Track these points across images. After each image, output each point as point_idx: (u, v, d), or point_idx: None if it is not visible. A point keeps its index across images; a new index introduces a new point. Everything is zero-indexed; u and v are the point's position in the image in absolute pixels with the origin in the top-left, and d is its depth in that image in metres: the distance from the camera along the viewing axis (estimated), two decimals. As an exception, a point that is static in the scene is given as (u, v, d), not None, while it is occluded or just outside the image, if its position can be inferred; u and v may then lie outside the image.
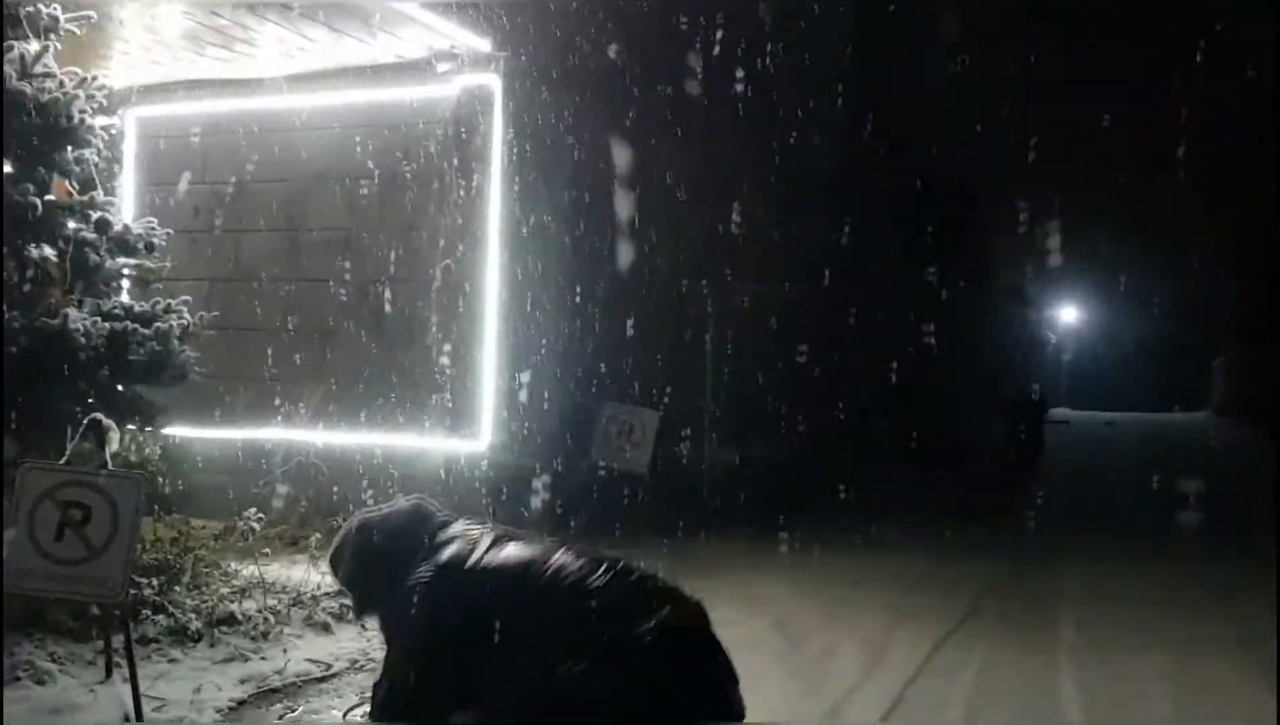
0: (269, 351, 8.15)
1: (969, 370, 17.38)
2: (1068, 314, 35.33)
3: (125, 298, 5.78)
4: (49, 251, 5.44)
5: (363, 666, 5.34)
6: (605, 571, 2.96)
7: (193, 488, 6.79)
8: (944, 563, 8.39)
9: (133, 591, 4.87)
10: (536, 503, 7.56)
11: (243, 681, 4.94)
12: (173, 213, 8.18)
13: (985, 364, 20.03)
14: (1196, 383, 29.98)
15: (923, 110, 15.48)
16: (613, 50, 8.46)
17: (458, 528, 3.39)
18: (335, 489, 7.52)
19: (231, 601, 5.64)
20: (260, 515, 6.11)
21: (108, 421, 4.50)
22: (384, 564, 3.37)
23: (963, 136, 17.29)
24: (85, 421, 4.51)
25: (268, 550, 6.32)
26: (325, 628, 5.82)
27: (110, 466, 4.49)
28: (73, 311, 5.12)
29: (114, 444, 4.60)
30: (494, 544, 3.26)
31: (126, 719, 4.43)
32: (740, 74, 9.84)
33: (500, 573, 3.15)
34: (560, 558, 3.06)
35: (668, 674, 2.77)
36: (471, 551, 3.25)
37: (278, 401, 8.05)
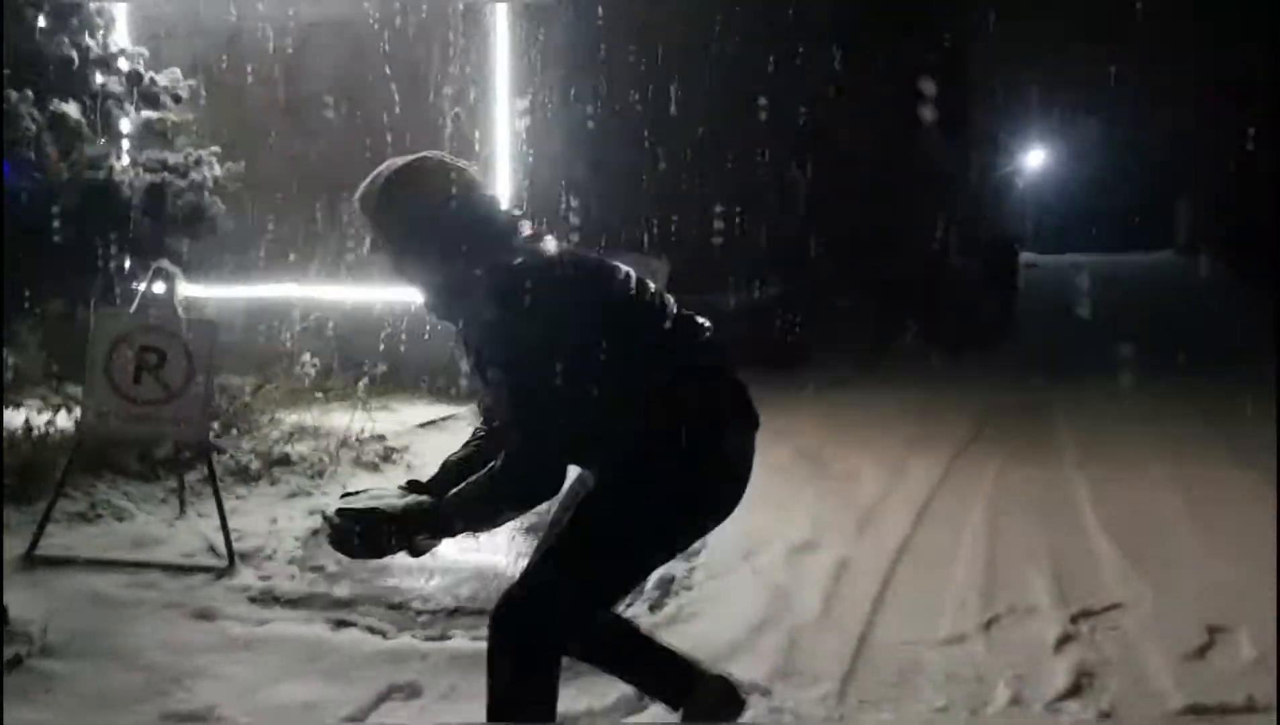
0: (278, 208, 8.11)
1: (947, 214, 17.58)
2: (1034, 157, 35.44)
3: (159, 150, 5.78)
4: (72, 109, 5.42)
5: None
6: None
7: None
8: (943, 394, 8.74)
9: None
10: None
11: (310, 513, 5.18)
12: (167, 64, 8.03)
13: (961, 208, 20.24)
14: (1159, 222, 30.49)
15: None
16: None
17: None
18: (350, 343, 7.61)
19: (285, 444, 5.86)
20: (316, 361, 6.26)
21: (173, 268, 4.61)
22: (465, 225, 2.44)
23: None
24: (153, 268, 4.61)
25: (320, 394, 6.50)
26: (374, 467, 6.10)
27: (180, 312, 4.62)
28: (117, 164, 5.15)
29: (181, 291, 4.71)
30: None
31: (211, 548, 4.68)
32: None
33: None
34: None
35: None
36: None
37: (291, 258, 8.08)
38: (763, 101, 10.53)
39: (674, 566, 4.37)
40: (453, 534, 2.52)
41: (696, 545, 4.62)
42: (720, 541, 4.66)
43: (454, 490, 2.47)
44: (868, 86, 13.84)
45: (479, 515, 2.49)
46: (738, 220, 10.55)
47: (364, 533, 2.41)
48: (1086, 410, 8.23)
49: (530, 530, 4.47)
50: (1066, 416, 8.04)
